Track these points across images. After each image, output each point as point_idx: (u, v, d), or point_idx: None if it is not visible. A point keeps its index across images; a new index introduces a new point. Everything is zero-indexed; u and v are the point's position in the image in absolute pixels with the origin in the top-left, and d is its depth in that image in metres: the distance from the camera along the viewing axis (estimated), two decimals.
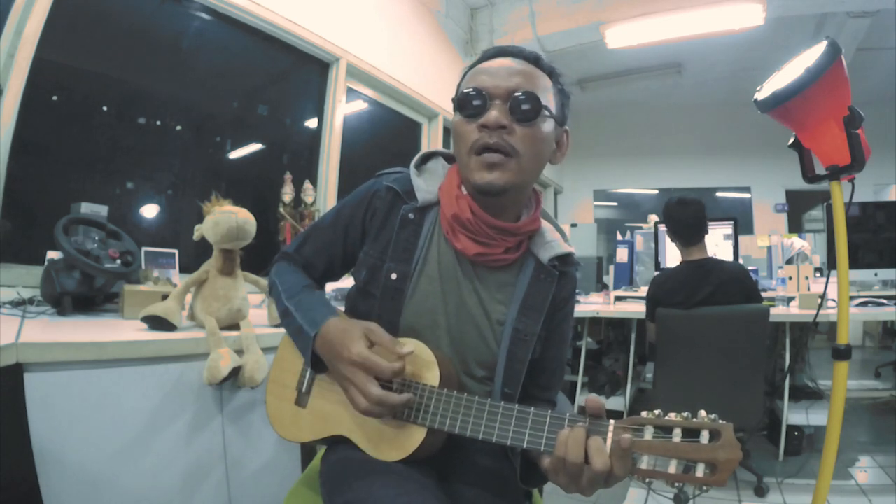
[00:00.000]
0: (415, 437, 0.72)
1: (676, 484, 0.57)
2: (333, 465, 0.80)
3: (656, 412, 0.59)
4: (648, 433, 0.58)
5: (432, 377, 0.74)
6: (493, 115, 0.74)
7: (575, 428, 0.62)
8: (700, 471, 0.56)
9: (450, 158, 0.90)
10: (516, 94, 0.75)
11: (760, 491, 2.05)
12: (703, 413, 0.58)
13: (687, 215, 2.09)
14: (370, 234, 0.86)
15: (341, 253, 0.90)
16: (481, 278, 0.82)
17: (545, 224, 0.86)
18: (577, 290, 0.93)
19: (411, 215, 0.83)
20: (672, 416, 0.58)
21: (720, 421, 0.57)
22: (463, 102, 0.77)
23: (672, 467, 0.57)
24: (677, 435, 0.57)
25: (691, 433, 0.57)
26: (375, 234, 0.85)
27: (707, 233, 2.12)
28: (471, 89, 0.76)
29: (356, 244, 0.88)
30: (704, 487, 0.56)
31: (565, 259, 0.85)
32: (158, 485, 1.07)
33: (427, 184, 0.85)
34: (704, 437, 0.56)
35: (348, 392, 0.72)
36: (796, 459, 2.34)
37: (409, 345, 0.74)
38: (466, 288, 0.82)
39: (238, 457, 1.20)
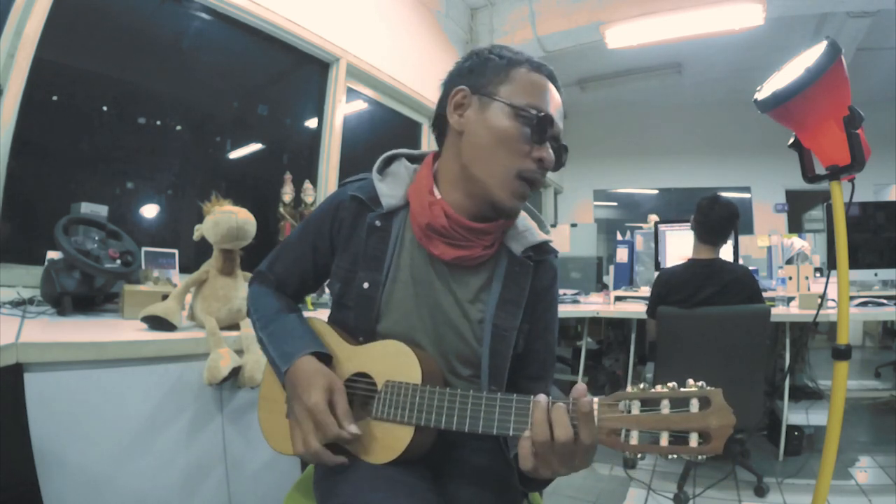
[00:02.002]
0: (403, 438, 0.72)
1: (673, 456, 0.55)
2: (326, 470, 0.79)
3: (641, 385, 0.58)
4: (636, 408, 0.57)
5: (414, 375, 0.74)
6: (552, 158, 0.75)
7: (537, 405, 0.61)
8: (693, 440, 0.54)
9: (413, 159, 0.88)
10: (561, 142, 0.78)
11: (760, 491, 2.05)
12: (690, 381, 0.56)
13: (711, 215, 2.10)
14: (339, 246, 0.85)
15: (312, 267, 0.89)
16: (456, 279, 0.81)
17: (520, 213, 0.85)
18: (564, 281, 0.93)
19: (377, 222, 0.82)
20: (658, 388, 0.57)
21: (708, 387, 0.55)
22: (536, 121, 0.73)
23: (664, 440, 0.55)
24: (665, 406, 0.56)
25: (680, 403, 0.56)
26: (344, 245, 0.84)
27: (725, 241, 2.12)
28: (546, 113, 0.74)
29: (327, 257, 0.87)
30: (701, 457, 0.55)
31: (540, 248, 0.83)
32: (158, 485, 1.07)
33: (391, 188, 0.83)
34: (694, 405, 0.55)
35: (292, 430, 0.75)
36: (796, 459, 2.33)
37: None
38: (441, 290, 0.81)
39: (238, 457, 1.20)
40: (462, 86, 0.77)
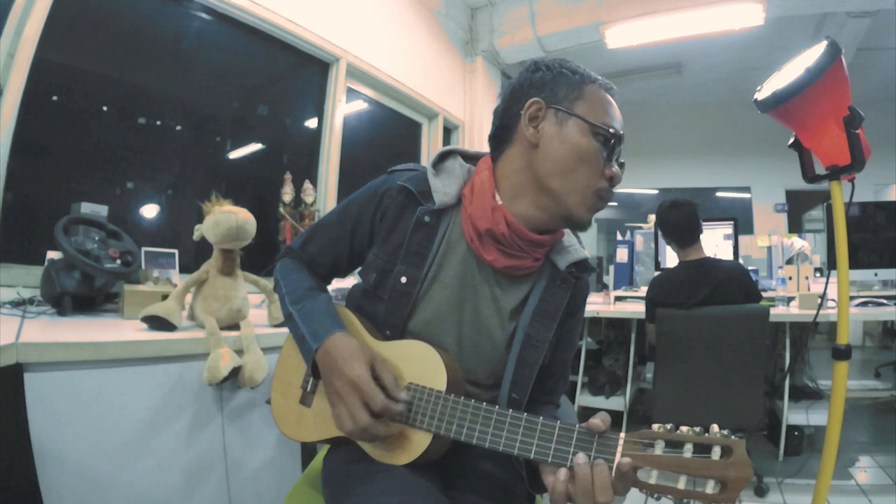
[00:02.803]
0: (420, 442, 0.71)
1: (685, 501, 0.57)
2: (336, 468, 0.79)
3: (668, 426, 0.58)
4: (658, 447, 0.58)
5: (439, 382, 0.73)
6: (621, 176, 0.76)
7: (578, 459, 0.60)
8: (709, 487, 0.55)
9: (466, 158, 0.87)
10: (622, 160, 0.79)
11: (760, 491, 2.05)
12: (715, 428, 0.57)
13: (680, 218, 2.09)
14: (379, 235, 0.83)
15: (347, 252, 0.88)
16: (501, 287, 0.80)
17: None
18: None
19: (427, 218, 0.80)
20: (684, 429, 0.57)
21: (733, 437, 0.56)
22: (613, 141, 0.75)
23: (681, 483, 0.56)
24: (688, 450, 0.56)
25: (702, 448, 0.56)
26: (385, 236, 0.82)
27: (701, 233, 2.12)
28: (621, 133, 0.76)
29: (364, 244, 0.86)
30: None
31: (581, 265, 0.84)
32: (158, 484, 1.07)
33: (445, 185, 0.81)
34: (716, 452, 0.56)
35: (335, 408, 0.71)
36: (796, 459, 2.34)
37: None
38: (484, 297, 0.80)
39: (238, 457, 1.20)
40: (537, 98, 0.76)
